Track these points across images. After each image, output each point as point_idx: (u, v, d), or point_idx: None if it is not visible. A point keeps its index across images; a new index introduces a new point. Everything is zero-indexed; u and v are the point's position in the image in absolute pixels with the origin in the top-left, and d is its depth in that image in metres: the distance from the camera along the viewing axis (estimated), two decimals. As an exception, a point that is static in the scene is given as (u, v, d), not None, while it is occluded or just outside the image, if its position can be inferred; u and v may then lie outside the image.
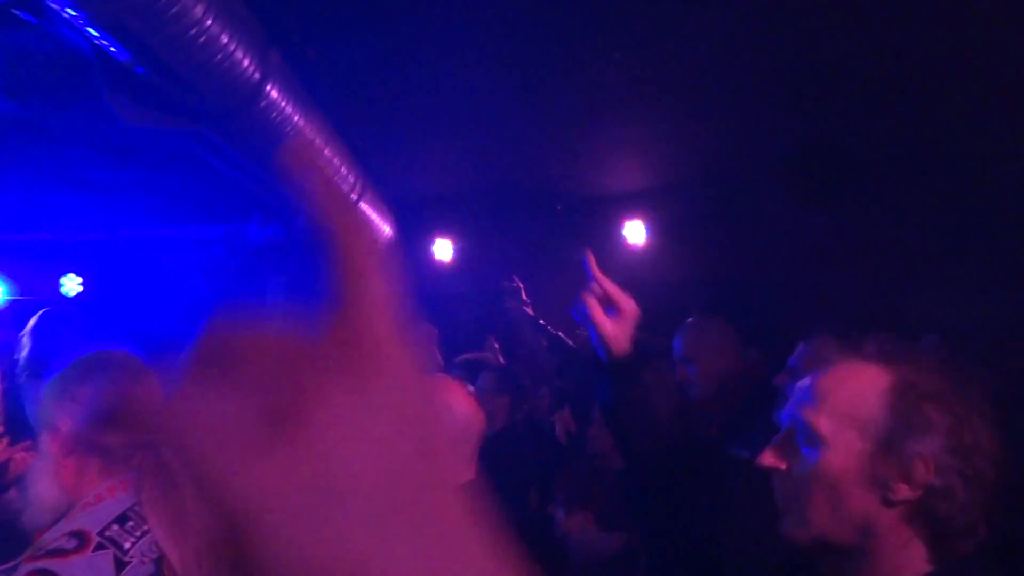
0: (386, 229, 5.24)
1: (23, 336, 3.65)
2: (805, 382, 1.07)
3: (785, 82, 3.87)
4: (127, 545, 1.25)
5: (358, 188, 4.13)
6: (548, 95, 3.83)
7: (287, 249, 5.85)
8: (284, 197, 2.82)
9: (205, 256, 6.13)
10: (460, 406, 1.69)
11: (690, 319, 2.57)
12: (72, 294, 5.94)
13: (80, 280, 5.98)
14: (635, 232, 5.79)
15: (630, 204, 5.79)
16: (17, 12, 2.31)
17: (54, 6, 1.90)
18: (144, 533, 1.28)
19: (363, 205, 4.34)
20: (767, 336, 3.14)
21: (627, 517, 2.69)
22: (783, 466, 1.04)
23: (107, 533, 1.25)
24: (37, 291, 5.93)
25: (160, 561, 1.27)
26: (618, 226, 5.84)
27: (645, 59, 3.53)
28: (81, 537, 1.21)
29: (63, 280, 5.94)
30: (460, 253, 5.85)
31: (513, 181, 5.29)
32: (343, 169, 3.75)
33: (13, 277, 5.77)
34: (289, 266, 5.80)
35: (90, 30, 2.02)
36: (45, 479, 1.32)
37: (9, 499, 2.11)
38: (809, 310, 4.97)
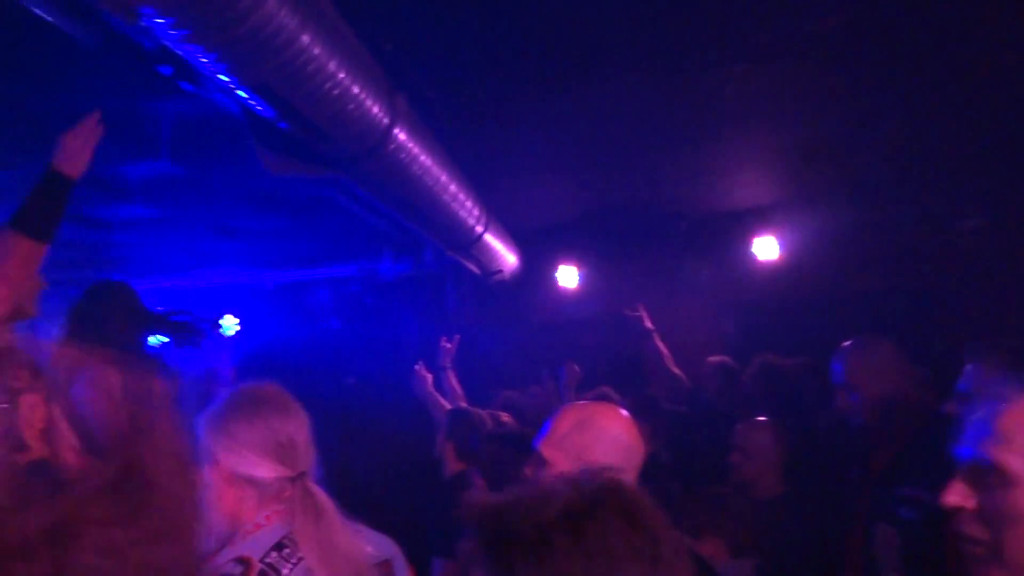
0: (511, 259, 5.32)
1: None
2: (983, 414, 0.98)
3: (923, 81, 3.60)
4: (285, 571, 1.32)
5: (483, 221, 4.23)
6: (667, 113, 3.77)
7: (417, 282, 6.08)
8: (413, 234, 2.92)
9: (342, 293, 6.48)
10: (622, 434, 1.64)
11: (850, 340, 2.38)
12: (231, 333, 6.44)
13: (237, 320, 6.48)
14: (767, 248, 5.54)
15: (760, 219, 5.55)
16: (180, 83, 2.56)
17: (210, 74, 2.09)
18: (299, 560, 1.35)
19: (488, 237, 4.44)
20: (923, 356, 2.89)
21: (760, 545, 2.54)
22: (970, 505, 0.96)
23: (267, 560, 1.33)
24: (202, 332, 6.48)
25: None
26: (747, 243, 5.61)
27: (768, 69, 3.40)
28: (245, 564, 1.30)
29: (222, 321, 6.45)
30: (585, 279, 5.83)
31: (636, 203, 5.23)
32: (468, 203, 3.85)
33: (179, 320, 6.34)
34: (420, 298, 6.01)
35: (240, 92, 2.21)
36: (209, 508, 1.42)
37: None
38: (966, 325, 4.54)
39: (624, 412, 1.74)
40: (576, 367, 4.71)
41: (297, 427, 1.47)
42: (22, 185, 4.12)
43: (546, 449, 1.66)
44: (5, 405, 2.20)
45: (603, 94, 3.48)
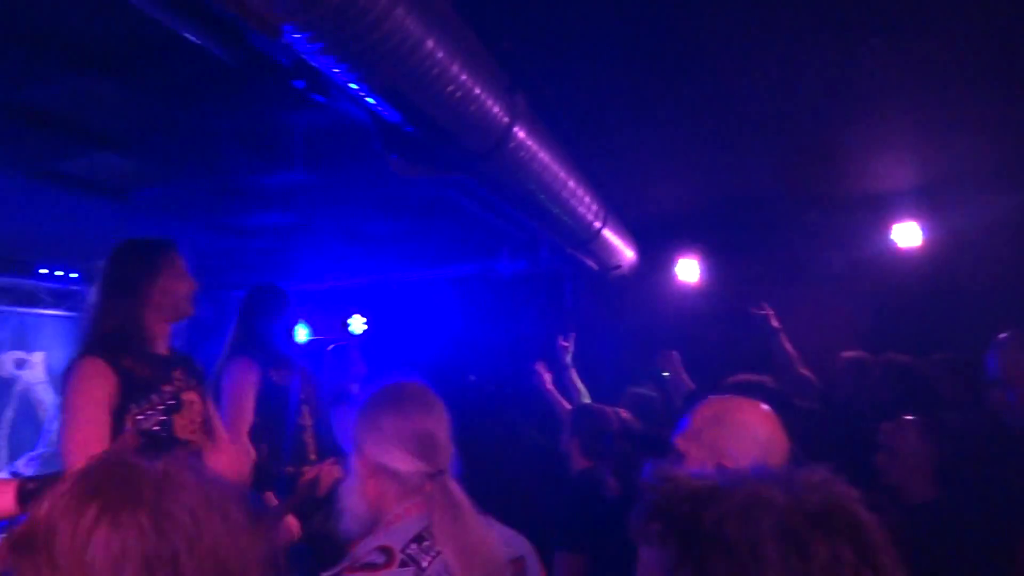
0: (629, 254, 5.24)
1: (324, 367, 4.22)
2: None
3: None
4: (424, 564, 1.35)
5: (601, 216, 4.19)
6: (795, 95, 3.57)
7: (535, 280, 6.11)
8: (530, 231, 2.93)
9: (462, 292, 6.62)
10: (761, 429, 1.59)
11: (1006, 333, 2.18)
12: (358, 332, 6.75)
13: (364, 320, 6.78)
14: (908, 235, 5.14)
15: (899, 205, 5.16)
16: (312, 95, 2.70)
17: (341, 84, 2.19)
18: (437, 554, 1.38)
19: (606, 232, 4.39)
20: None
21: (912, 555, 2.34)
22: None
23: (408, 551, 1.36)
24: (330, 332, 6.84)
25: None
26: (885, 230, 5.23)
27: (908, 42, 3.14)
28: (387, 553, 1.34)
29: (350, 321, 6.78)
30: (706, 272, 5.64)
31: (760, 191, 5.00)
32: (586, 199, 3.83)
33: (310, 321, 6.72)
34: (537, 295, 6.04)
35: (369, 99, 2.30)
36: (354, 495, 1.49)
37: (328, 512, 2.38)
38: None
39: (764, 407, 1.67)
40: (675, 353, 4.62)
41: (437, 424, 1.51)
42: (178, 199, 4.52)
43: (682, 443, 1.63)
44: (172, 402, 2.41)
45: (726, 80, 3.34)
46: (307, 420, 3.33)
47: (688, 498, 0.75)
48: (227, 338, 3.27)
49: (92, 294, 2.42)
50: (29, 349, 6.50)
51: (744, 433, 1.57)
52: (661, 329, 5.93)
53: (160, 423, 2.15)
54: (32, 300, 5.98)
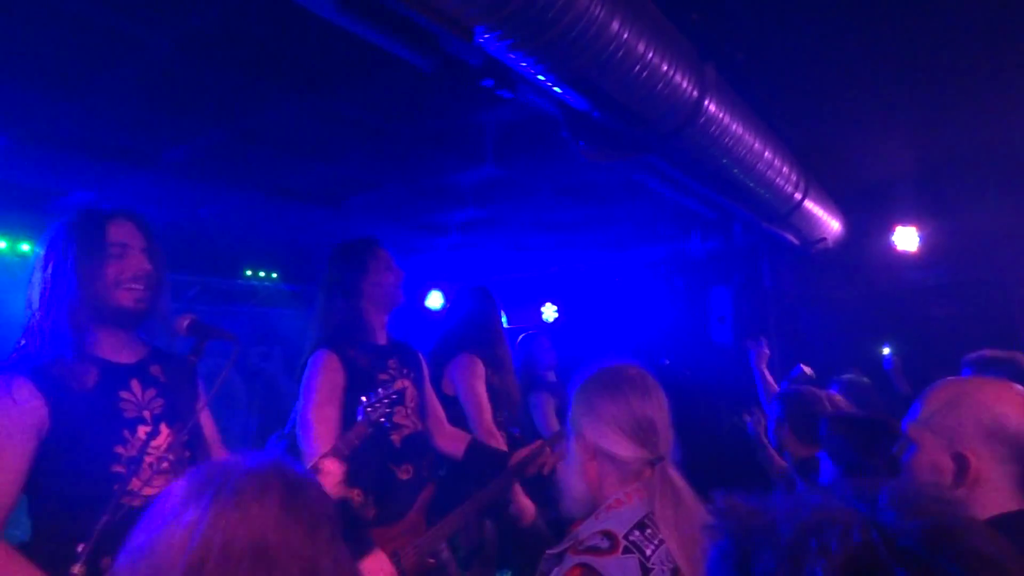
0: (834, 226, 4.82)
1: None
2: None
3: None
4: (648, 551, 1.32)
5: (802, 186, 3.89)
6: (1011, 34, 3.05)
7: (728, 259, 5.83)
8: (722, 209, 2.76)
9: (652, 275, 6.49)
10: (1005, 416, 1.36)
11: None
12: (551, 320, 6.88)
13: (556, 308, 6.90)
14: None
15: None
16: (500, 92, 2.77)
17: (530, 77, 2.22)
18: (660, 542, 1.34)
19: (808, 203, 4.07)
20: None
21: None
22: None
23: (631, 537, 1.34)
24: (523, 321, 7.04)
25: (676, 572, 1.31)
26: None
27: None
28: (611, 538, 1.33)
29: (543, 309, 6.93)
30: (926, 240, 5.03)
31: (985, 146, 4.34)
32: (784, 169, 3.57)
33: (505, 310, 6.96)
34: (733, 275, 5.76)
35: (556, 89, 2.31)
36: (573, 476, 1.49)
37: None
38: None
39: (1017, 387, 1.43)
40: (766, 349, 4.21)
41: (657, 409, 1.48)
42: (383, 202, 4.87)
43: (913, 430, 1.46)
44: (395, 396, 2.60)
45: (937, 20, 2.94)
46: (500, 415, 3.45)
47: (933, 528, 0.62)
48: (447, 332, 3.48)
49: (318, 293, 2.69)
50: (270, 344, 7.40)
51: (983, 418, 1.37)
52: (874, 306, 5.40)
53: (386, 415, 2.34)
54: (271, 300, 6.79)
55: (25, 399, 1.52)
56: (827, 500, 0.66)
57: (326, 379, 2.46)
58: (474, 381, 3.26)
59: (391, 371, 2.62)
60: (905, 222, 5.04)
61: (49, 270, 1.71)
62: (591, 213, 5.45)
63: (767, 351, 4.30)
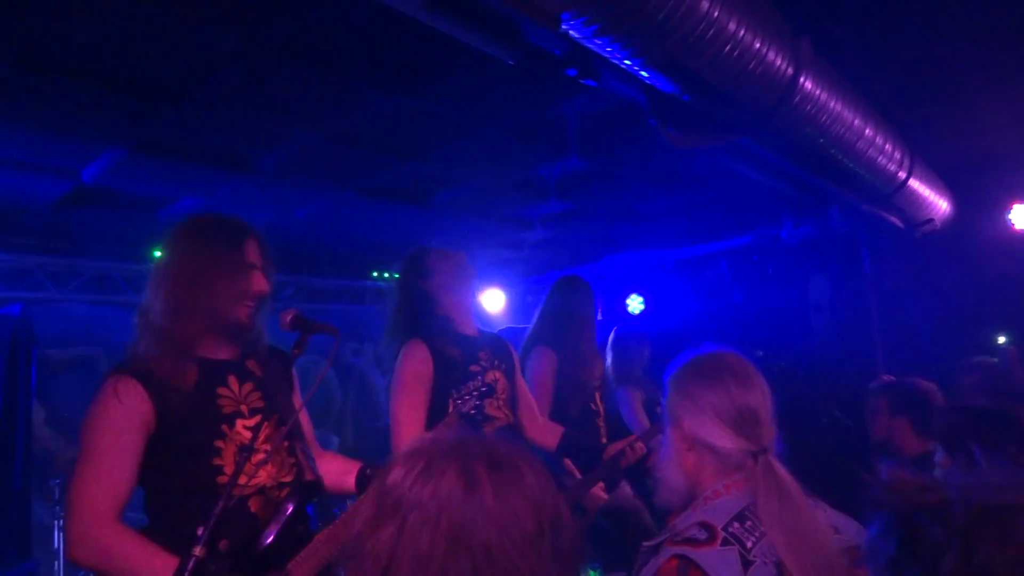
0: (943, 205, 4.52)
1: (606, 351, 4.29)
2: None
3: None
4: (749, 544, 1.27)
5: (906, 164, 3.66)
6: None
7: (824, 244, 5.57)
8: (817, 192, 2.62)
9: (742, 264, 6.28)
10: None
11: None
12: (637, 312, 6.77)
13: (641, 299, 6.78)
14: None
15: None
16: (583, 81, 2.73)
17: (616, 62, 2.18)
18: (761, 535, 1.29)
19: (913, 182, 3.82)
20: None
21: None
22: None
23: (730, 529, 1.29)
24: (608, 313, 6.96)
25: (780, 566, 1.26)
26: None
27: None
28: (709, 530, 1.28)
29: (628, 301, 6.83)
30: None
31: None
32: (887, 146, 3.37)
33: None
34: (830, 262, 5.50)
35: (643, 73, 2.26)
36: (671, 466, 1.45)
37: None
38: None
39: None
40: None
41: (760, 399, 1.42)
42: (469, 198, 4.92)
43: None
44: (484, 388, 2.62)
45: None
46: (599, 406, 3.42)
47: None
48: (534, 324, 3.49)
49: (397, 291, 2.75)
50: (361, 340, 7.64)
51: None
52: (987, 292, 5.02)
53: (476, 407, 2.36)
54: (361, 298, 6.99)
55: (131, 398, 1.59)
56: (1005, 484, 0.62)
57: (415, 370, 2.51)
58: (539, 374, 3.25)
59: (482, 362, 2.64)
60: (1023, 199, 4.67)
61: (182, 277, 1.73)
62: (677, 201, 5.32)
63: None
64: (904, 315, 5.39)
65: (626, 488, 3.45)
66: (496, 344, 2.76)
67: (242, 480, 1.62)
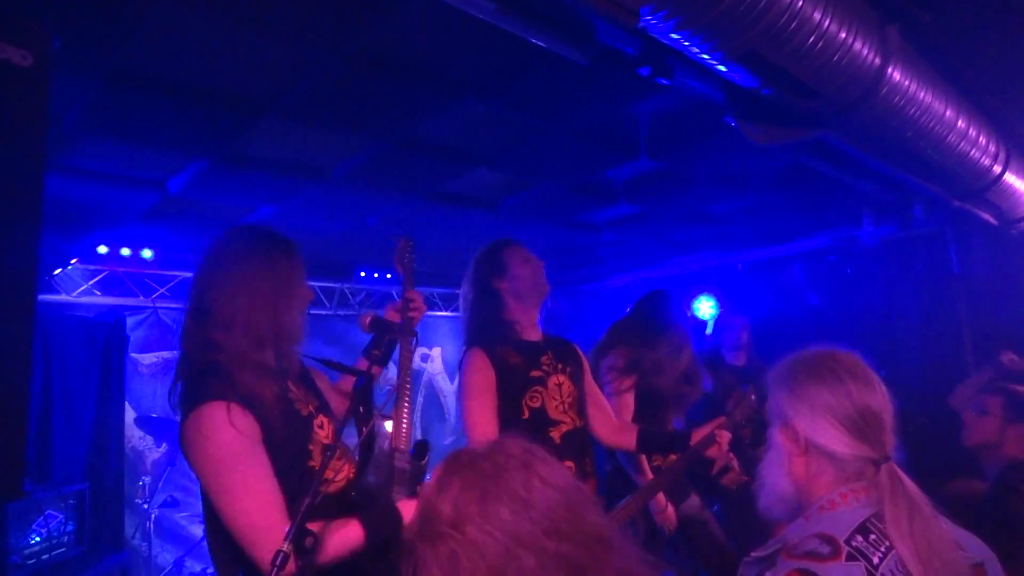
0: (1042, 201, 4.22)
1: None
2: None
3: None
4: (875, 560, 1.17)
5: (1001, 157, 3.43)
6: None
7: (907, 245, 5.30)
8: (901, 189, 2.45)
9: (817, 266, 6.04)
10: None
11: None
12: (707, 317, 6.60)
13: (713, 303, 6.61)
14: None
15: None
16: (656, 80, 2.67)
17: (693, 57, 2.11)
18: (888, 550, 1.19)
19: (1009, 176, 3.58)
20: None
21: None
22: None
23: (853, 543, 1.19)
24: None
25: None
26: None
27: None
28: (831, 543, 1.19)
29: (696, 304, 6.66)
30: None
31: None
32: (981, 139, 3.16)
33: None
34: (914, 263, 5.23)
35: (720, 68, 2.18)
36: (778, 471, 1.36)
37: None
38: None
39: None
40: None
41: (881, 402, 1.31)
42: (536, 202, 4.89)
43: None
44: (540, 387, 2.59)
45: None
46: (644, 420, 3.34)
47: None
48: (615, 327, 3.45)
49: (463, 297, 2.76)
50: (429, 346, 7.72)
51: None
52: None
53: (533, 411, 2.37)
54: (429, 304, 7.07)
55: (242, 423, 1.58)
56: None
57: (478, 378, 2.51)
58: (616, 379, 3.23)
59: (544, 367, 2.60)
60: None
61: (256, 291, 1.71)
62: (749, 202, 5.16)
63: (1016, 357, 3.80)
64: (997, 319, 5.06)
65: (694, 498, 3.37)
66: (561, 348, 2.73)
67: (328, 475, 1.63)
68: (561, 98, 3.30)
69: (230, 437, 1.54)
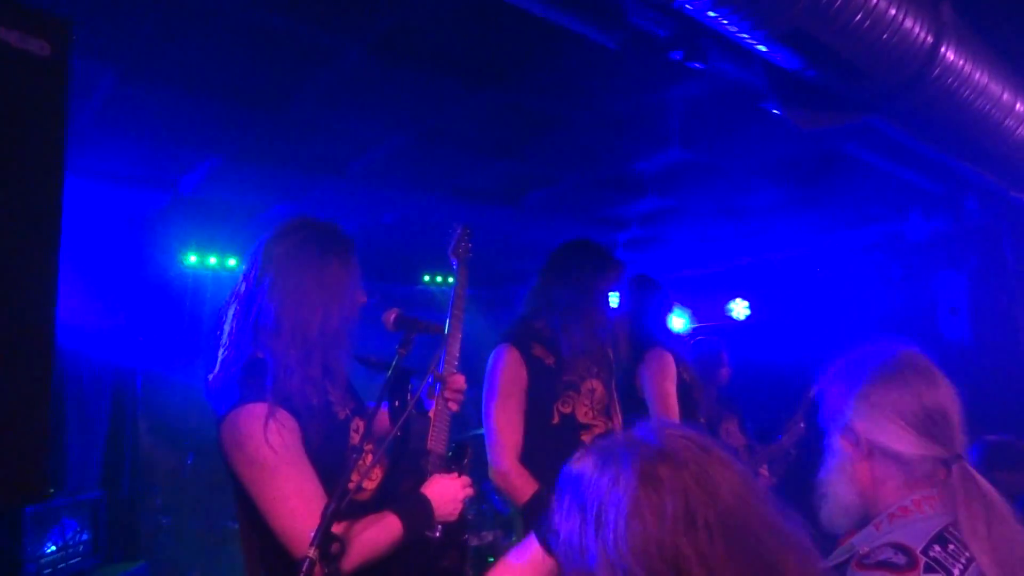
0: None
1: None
2: None
3: None
4: (955, 571, 1.13)
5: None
6: None
7: (960, 239, 5.20)
8: (953, 178, 2.40)
9: (861, 263, 5.95)
10: None
11: None
12: (742, 318, 6.53)
13: (747, 304, 6.53)
14: None
15: None
16: (689, 64, 2.64)
17: (731, 36, 2.09)
18: (969, 561, 1.15)
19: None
20: None
21: None
22: None
23: (931, 553, 1.15)
24: (711, 319, 6.75)
25: None
26: None
27: None
28: (907, 553, 1.15)
29: (730, 305, 6.59)
30: None
31: None
32: (1041, 124, 3.09)
33: (690, 307, 6.69)
34: (967, 258, 5.13)
35: (760, 48, 2.15)
36: (841, 479, 1.32)
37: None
38: None
39: None
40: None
41: (949, 398, 1.27)
42: (561, 197, 4.88)
43: None
44: (573, 392, 2.57)
45: None
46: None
47: None
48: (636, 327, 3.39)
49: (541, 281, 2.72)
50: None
51: None
52: None
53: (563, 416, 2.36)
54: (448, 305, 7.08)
55: (284, 426, 1.57)
56: None
57: (507, 378, 2.48)
58: (666, 379, 3.16)
59: (579, 371, 2.59)
60: None
61: (305, 294, 1.69)
62: (788, 195, 5.09)
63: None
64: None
65: None
66: (594, 350, 2.70)
67: (355, 478, 1.63)
68: (587, 86, 3.28)
69: (273, 439, 1.54)
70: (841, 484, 1.30)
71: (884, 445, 1.25)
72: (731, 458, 0.90)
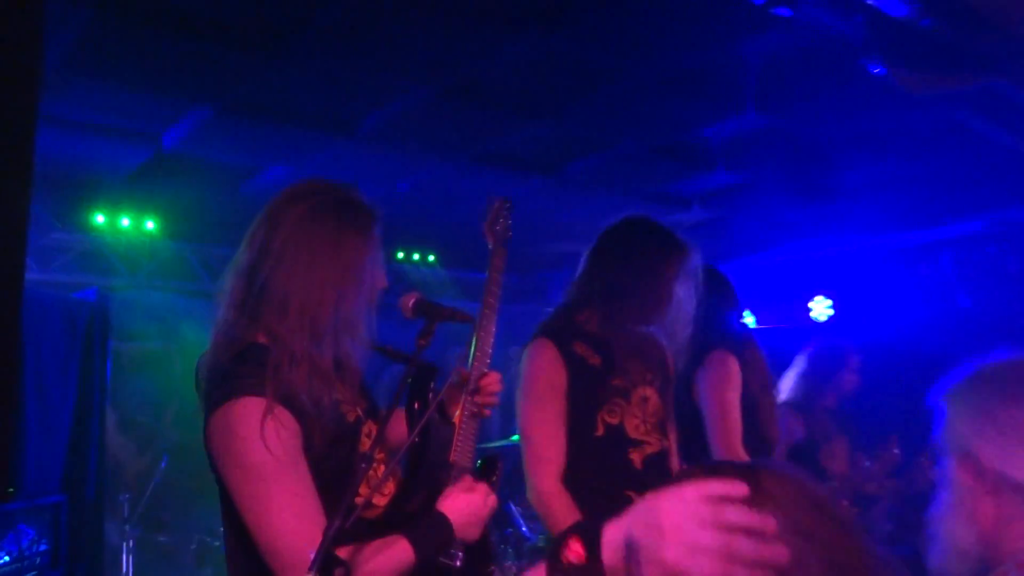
0: None
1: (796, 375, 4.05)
2: None
3: None
4: None
5: None
6: None
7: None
8: None
9: (971, 257, 5.86)
10: None
11: None
12: (822, 319, 6.46)
13: (830, 303, 6.46)
14: None
15: None
16: (773, 10, 2.59)
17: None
18: None
19: None
20: None
21: None
22: None
23: None
24: (786, 318, 6.68)
25: None
26: None
27: None
28: None
29: (811, 305, 6.53)
30: None
31: None
32: None
33: (755, 306, 6.62)
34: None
35: (865, -8, 2.10)
36: (958, 517, 1.29)
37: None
38: None
39: None
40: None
41: None
42: (610, 167, 4.84)
43: None
44: (622, 399, 2.53)
45: None
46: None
47: None
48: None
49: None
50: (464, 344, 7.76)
51: None
52: None
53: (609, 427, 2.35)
54: (469, 293, 7.09)
55: (283, 426, 1.55)
56: None
57: (544, 377, 2.46)
58: (726, 387, 3.12)
59: (630, 374, 2.55)
60: None
61: (318, 270, 1.67)
62: (884, 173, 5.01)
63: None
64: None
65: None
66: (649, 352, 2.66)
67: (364, 492, 1.61)
68: (647, 34, 3.24)
69: (269, 441, 1.53)
70: (957, 523, 1.27)
71: (1014, 478, 1.22)
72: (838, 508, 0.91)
